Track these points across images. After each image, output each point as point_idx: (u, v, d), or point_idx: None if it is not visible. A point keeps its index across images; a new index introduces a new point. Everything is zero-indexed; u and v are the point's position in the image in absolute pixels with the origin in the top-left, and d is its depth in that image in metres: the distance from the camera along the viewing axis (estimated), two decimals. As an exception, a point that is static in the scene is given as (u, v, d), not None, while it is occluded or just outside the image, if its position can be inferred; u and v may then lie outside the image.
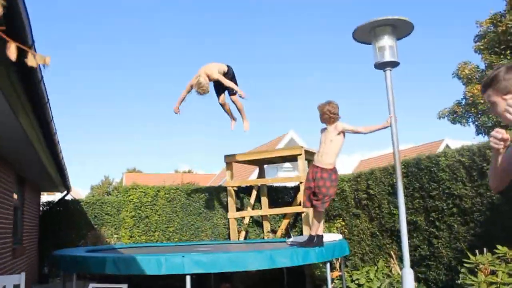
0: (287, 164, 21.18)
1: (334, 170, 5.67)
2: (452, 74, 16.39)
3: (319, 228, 5.75)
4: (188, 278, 4.91)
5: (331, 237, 6.56)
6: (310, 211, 9.07)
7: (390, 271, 7.05)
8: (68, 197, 12.49)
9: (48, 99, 4.53)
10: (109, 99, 63.95)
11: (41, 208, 12.19)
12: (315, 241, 5.70)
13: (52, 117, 5.34)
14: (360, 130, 5.56)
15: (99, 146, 64.78)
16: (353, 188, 8.74)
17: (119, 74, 61.48)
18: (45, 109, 4.71)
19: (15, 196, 8.65)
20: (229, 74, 7.72)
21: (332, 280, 7.47)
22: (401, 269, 6.89)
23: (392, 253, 7.37)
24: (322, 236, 5.81)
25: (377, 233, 8.09)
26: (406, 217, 7.55)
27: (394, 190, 7.65)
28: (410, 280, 4.80)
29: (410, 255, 7.37)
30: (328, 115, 5.55)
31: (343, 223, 8.89)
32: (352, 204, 8.77)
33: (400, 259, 7.22)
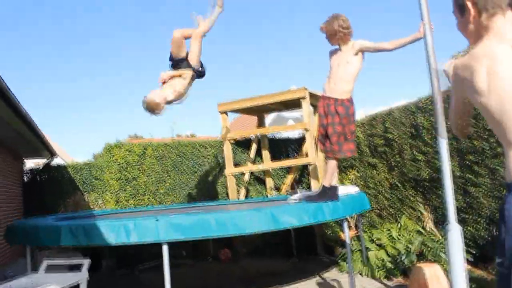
0: (291, 122, 20.00)
1: (351, 101, 4.45)
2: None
3: (332, 178, 4.58)
4: (165, 248, 3.77)
5: (347, 189, 5.40)
6: (320, 162, 7.92)
7: (423, 227, 5.88)
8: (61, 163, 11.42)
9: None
10: (106, 66, 62.29)
11: (26, 177, 11.05)
12: (328, 193, 4.54)
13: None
14: (385, 46, 4.28)
15: (99, 115, 63.31)
16: (367, 133, 7.51)
17: (114, 42, 59.64)
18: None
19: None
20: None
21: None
22: (438, 224, 5.79)
23: (421, 207, 6.20)
24: (336, 187, 4.64)
25: (398, 184, 6.92)
26: (434, 164, 6.40)
27: (418, 132, 6.44)
28: (458, 237, 3.62)
29: (440, 208, 6.24)
30: (342, 31, 4.29)
31: (357, 175, 7.72)
32: (366, 152, 7.56)
33: (434, 213, 6.10)
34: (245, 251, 8.63)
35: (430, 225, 5.71)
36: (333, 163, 4.55)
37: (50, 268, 4.16)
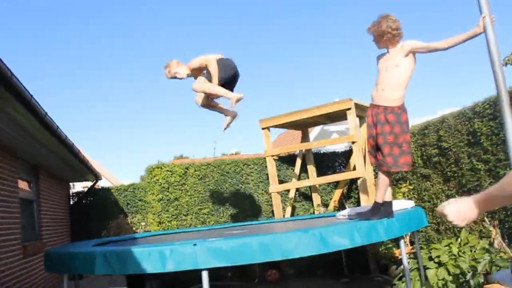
0: (335, 135, 19.53)
1: (403, 109, 4.04)
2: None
3: (386, 192, 4.17)
4: (204, 274, 3.47)
5: (401, 204, 4.96)
6: (369, 176, 7.48)
7: (490, 244, 5.33)
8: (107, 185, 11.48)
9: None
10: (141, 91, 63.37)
11: (73, 200, 11.12)
12: (381, 210, 4.13)
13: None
14: (439, 45, 3.86)
15: (149, 137, 64.42)
16: (419, 143, 7.03)
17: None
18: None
19: (22, 185, 7.51)
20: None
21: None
22: (504, 239, 5.26)
23: (485, 221, 5.65)
24: (390, 203, 4.23)
25: (456, 196, 6.37)
26: (496, 173, 5.86)
27: (476, 139, 5.94)
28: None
29: (508, 221, 5.69)
30: (391, 32, 3.91)
31: (410, 188, 7.22)
32: (419, 163, 7.08)
33: (501, 227, 5.56)
34: (292, 272, 8.23)
35: (498, 240, 5.16)
36: (384, 177, 4.15)
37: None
